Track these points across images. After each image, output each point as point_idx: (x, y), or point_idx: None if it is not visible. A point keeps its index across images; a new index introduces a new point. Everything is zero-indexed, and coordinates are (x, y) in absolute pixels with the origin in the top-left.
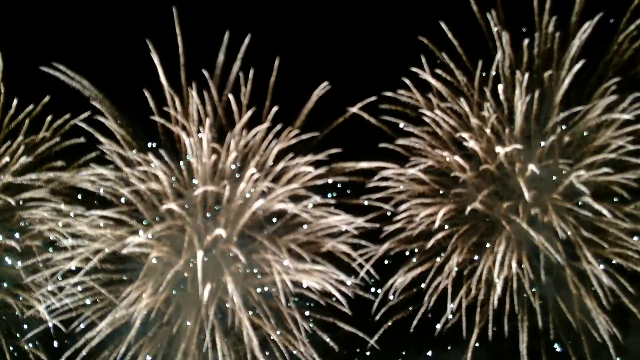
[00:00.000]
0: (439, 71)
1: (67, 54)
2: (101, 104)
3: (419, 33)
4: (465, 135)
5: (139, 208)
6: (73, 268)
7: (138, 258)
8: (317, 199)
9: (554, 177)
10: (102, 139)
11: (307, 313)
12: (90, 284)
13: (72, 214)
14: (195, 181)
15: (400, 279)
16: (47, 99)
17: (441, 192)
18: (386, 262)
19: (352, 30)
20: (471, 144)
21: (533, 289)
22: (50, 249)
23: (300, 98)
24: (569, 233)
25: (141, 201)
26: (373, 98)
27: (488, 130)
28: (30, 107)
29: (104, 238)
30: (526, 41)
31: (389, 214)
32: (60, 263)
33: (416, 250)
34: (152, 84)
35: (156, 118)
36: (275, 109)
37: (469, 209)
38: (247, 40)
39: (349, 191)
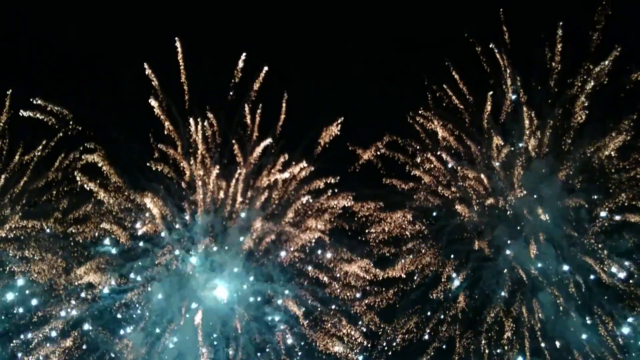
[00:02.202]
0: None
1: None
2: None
3: (427, 69)
4: (470, 173)
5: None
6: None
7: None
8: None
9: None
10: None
11: None
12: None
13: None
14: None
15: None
16: (60, 135)
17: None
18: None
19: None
20: (476, 180)
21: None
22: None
23: (301, 133)
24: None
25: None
26: (385, 141)
27: (497, 164)
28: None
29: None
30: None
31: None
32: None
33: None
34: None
35: (155, 165)
36: (285, 156)
37: (476, 245)
38: (259, 79)
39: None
